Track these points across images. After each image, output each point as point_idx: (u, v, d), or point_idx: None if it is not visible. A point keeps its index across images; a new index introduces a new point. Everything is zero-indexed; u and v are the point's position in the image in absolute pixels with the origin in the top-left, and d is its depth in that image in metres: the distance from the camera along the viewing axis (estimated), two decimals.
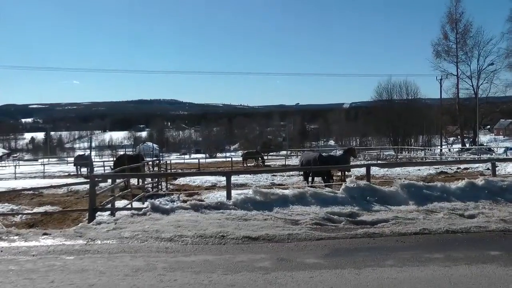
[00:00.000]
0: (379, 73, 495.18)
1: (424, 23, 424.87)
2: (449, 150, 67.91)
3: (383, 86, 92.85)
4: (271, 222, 10.24)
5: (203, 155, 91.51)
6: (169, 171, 31.05)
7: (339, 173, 25.19)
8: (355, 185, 12.74)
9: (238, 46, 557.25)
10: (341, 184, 14.01)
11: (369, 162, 41.81)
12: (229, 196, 12.87)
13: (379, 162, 44.77)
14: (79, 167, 42.33)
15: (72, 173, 41.98)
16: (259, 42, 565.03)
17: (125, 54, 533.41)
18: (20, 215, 16.46)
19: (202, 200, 15.61)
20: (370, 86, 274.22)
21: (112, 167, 29.21)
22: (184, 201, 15.73)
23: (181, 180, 28.42)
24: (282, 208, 11.38)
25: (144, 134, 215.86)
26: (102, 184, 19.80)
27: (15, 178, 40.00)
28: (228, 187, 13.37)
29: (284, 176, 28.99)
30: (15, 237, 9.81)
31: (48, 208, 18.47)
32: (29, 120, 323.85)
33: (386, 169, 31.09)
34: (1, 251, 8.65)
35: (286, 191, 13.12)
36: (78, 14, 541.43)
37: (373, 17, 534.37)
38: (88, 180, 16.62)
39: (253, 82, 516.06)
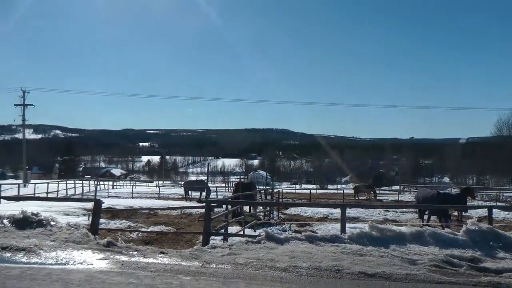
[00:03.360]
0: (499, 106, 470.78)
1: None
2: None
3: (503, 120, 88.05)
4: (387, 259, 9.93)
5: (314, 186, 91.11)
6: (281, 200, 31.15)
7: (455, 213, 24.20)
8: (476, 228, 12.10)
9: (353, 77, 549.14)
10: (458, 225, 13.35)
11: (491, 203, 39.87)
12: (343, 230, 12.65)
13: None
14: (189, 191, 43.37)
15: (193, 197, 42.85)
16: (373, 72, 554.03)
17: (238, 84, 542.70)
18: (136, 232, 17.09)
19: (315, 232, 15.49)
20: (489, 121, 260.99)
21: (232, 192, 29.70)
22: (296, 231, 15.72)
23: (292, 210, 28.37)
24: (399, 246, 11.02)
25: (255, 162, 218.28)
26: (215, 209, 20.16)
27: (132, 197, 41.86)
28: (343, 220, 13.14)
29: (397, 212, 28.36)
30: (134, 253, 10.22)
31: (163, 228, 19.07)
32: (146, 144, 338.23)
33: (506, 212, 29.53)
34: (122, 264, 9.02)
35: (403, 228, 12.70)
36: (191, 46, 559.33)
37: (496, 48, 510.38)
38: (202, 204, 16.98)
39: (366, 114, 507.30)
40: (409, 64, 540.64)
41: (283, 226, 19.72)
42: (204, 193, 41.27)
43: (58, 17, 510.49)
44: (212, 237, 13.43)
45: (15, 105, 69.74)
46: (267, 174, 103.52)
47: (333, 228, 17.21)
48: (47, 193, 38.02)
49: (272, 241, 11.16)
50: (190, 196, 42.04)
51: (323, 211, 27.18)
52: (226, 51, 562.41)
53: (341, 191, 56.98)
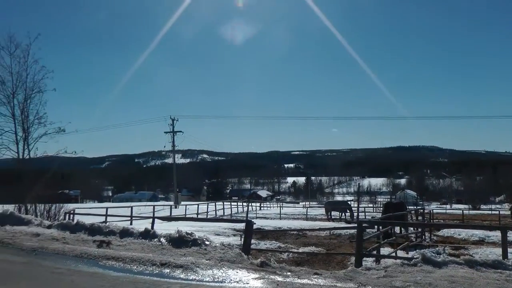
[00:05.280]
0: None
1: None
2: None
3: None
4: None
5: (465, 206, 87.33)
6: (432, 221, 30.18)
7: None
8: None
9: (502, 86, 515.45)
10: None
11: None
12: (505, 255, 11.86)
13: None
14: (330, 211, 43.42)
15: (335, 217, 42.73)
16: None
17: (382, 101, 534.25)
18: (287, 253, 17.26)
19: (472, 256, 14.77)
20: None
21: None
22: (450, 255, 15.05)
23: (445, 232, 27.41)
24: None
25: (403, 181, 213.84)
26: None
27: (280, 218, 42.40)
28: (504, 244, 12.35)
29: None
30: (288, 273, 10.23)
31: (313, 249, 19.11)
32: (291, 165, 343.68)
33: None
34: (277, 284, 9.06)
35: None
36: (334, 68, 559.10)
37: None
38: (352, 225, 16.83)
39: None
40: None
41: (437, 248, 19.13)
42: (347, 213, 41.32)
43: (200, 43, 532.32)
44: (364, 258, 13.20)
45: (165, 132, 74.39)
46: (415, 193, 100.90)
47: (492, 253, 16.32)
48: (197, 214, 39.56)
49: (429, 264, 10.71)
50: (331, 216, 42.24)
51: (478, 233, 25.95)
52: (368, 69, 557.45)
53: (496, 212, 54.00)
